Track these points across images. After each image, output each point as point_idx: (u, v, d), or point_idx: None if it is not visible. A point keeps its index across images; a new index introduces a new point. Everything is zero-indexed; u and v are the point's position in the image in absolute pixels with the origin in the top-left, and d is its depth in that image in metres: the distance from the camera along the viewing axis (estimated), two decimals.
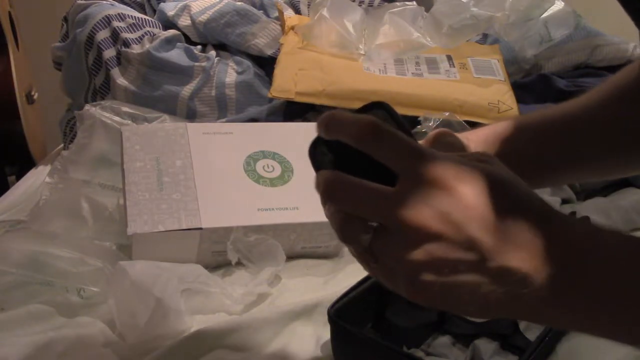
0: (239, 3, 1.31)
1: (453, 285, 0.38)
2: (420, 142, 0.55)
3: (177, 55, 1.21)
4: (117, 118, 1.04)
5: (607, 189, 0.98)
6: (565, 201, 0.94)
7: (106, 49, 1.21)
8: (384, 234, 0.39)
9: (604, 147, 0.60)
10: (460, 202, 0.37)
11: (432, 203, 0.37)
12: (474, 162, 0.40)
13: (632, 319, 0.38)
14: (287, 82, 1.11)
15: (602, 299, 0.38)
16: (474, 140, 0.59)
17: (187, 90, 1.17)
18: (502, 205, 0.38)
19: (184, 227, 0.79)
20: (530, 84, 1.24)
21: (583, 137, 0.60)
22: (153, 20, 1.29)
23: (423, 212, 0.37)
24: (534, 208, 0.39)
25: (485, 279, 0.38)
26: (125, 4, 1.35)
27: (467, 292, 0.38)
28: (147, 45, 1.20)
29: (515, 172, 0.61)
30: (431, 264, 0.38)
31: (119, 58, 1.21)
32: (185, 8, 1.29)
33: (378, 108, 0.46)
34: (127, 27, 1.23)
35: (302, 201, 0.85)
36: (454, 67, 1.19)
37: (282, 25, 1.27)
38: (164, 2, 1.35)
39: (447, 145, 0.55)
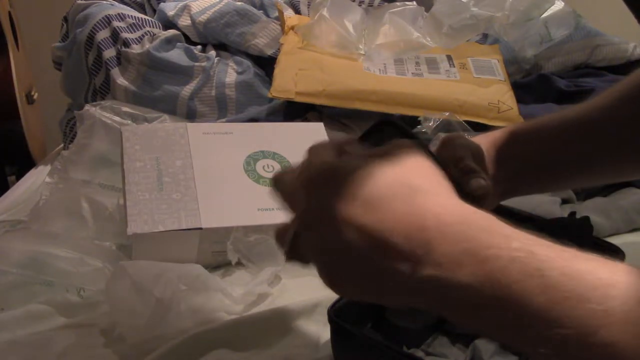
0: (239, 3, 1.31)
1: (354, 277, 0.41)
2: (433, 147, 0.56)
3: (177, 55, 1.21)
4: (117, 118, 1.04)
5: (607, 189, 0.98)
6: (565, 201, 0.94)
7: (106, 49, 1.21)
8: (298, 237, 0.44)
9: (619, 148, 0.60)
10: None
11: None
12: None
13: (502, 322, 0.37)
14: (287, 82, 1.11)
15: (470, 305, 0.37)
16: (485, 144, 0.59)
17: (187, 90, 1.17)
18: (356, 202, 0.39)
19: (184, 227, 0.79)
20: (530, 84, 1.24)
21: (598, 139, 0.60)
22: (153, 20, 1.29)
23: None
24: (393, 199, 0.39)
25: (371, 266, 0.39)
26: (125, 4, 1.35)
27: (365, 279, 0.40)
28: (147, 45, 1.20)
29: (530, 176, 0.61)
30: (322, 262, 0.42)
31: (119, 58, 1.21)
32: (185, 8, 1.29)
33: (388, 125, 0.47)
34: (127, 27, 1.23)
35: None
36: (454, 67, 1.19)
37: (282, 25, 1.27)
38: (164, 2, 1.35)
39: (460, 148, 0.55)
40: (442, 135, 0.98)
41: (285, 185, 0.45)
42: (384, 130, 0.47)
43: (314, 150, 0.44)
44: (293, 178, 0.44)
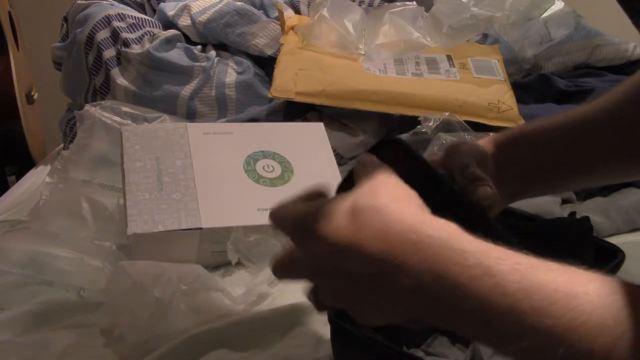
0: (239, 3, 1.31)
1: (366, 305, 0.41)
2: (435, 156, 0.56)
3: (177, 55, 1.21)
4: (117, 118, 1.04)
5: (607, 189, 0.98)
6: (565, 201, 0.94)
7: (106, 49, 1.21)
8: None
9: (621, 149, 0.60)
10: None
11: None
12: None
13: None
14: (287, 82, 1.11)
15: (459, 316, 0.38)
16: (488, 147, 0.59)
17: (187, 90, 1.17)
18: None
19: (184, 227, 0.79)
20: (530, 84, 1.24)
21: (602, 140, 0.60)
22: (153, 20, 1.29)
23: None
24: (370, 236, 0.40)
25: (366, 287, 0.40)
26: (125, 4, 1.35)
27: (381, 305, 0.41)
28: (147, 45, 1.20)
29: (535, 179, 0.61)
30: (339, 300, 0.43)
31: (119, 58, 1.21)
32: (185, 8, 1.29)
33: (392, 143, 0.48)
34: (127, 27, 1.23)
35: None
36: (454, 67, 1.19)
37: (282, 25, 1.27)
38: (164, 2, 1.35)
39: (465, 155, 0.55)
40: (442, 135, 0.98)
41: (283, 264, 0.46)
42: (384, 150, 0.48)
43: (280, 211, 0.46)
44: (284, 254, 0.46)
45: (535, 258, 0.37)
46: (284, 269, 0.46)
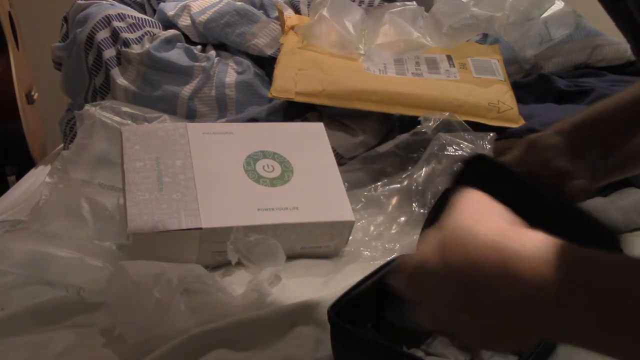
0: (239, 3, 1.31)
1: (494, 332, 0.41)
2: (512, 155, 0.56)
3: (177, 55, 1.21)
4: (117, 118, 1.04)
5: (607, 189, 0.98)
6: None
7: (106, 49, 1.21)
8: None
9: None
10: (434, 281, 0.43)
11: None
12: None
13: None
14: (287, 82, 1.11)
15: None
16: (561, 135, 0.59)
17: (187, 90, 1.17)
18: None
19: (184, 227, 0.79)
20: (530, 84, 1.24)
21: None
22: (153, 20, 1.29)
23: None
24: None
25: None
26: (125, 4, 1.35)
27: (504, 329, 0.41)
28: (147, 45, 1.20)
29: (609, 162, 0.60)
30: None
31: (119, 58, 1.21)
32: (185, 8, 1.29)
33: (478, 161, 0.50)
34: (127, 27, 1.24)
35: (302, 201, 0.85)
36: (454, 67, 1.19)
37: (282, 25, 1.27)
38: (164, 2, 1.35)
39: (547, 150, 0.56)
40: (442, 135, 0.98)
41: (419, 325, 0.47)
42: (474, 167, 0.49)
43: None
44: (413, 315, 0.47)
45: (628, 255, 0.38)
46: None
